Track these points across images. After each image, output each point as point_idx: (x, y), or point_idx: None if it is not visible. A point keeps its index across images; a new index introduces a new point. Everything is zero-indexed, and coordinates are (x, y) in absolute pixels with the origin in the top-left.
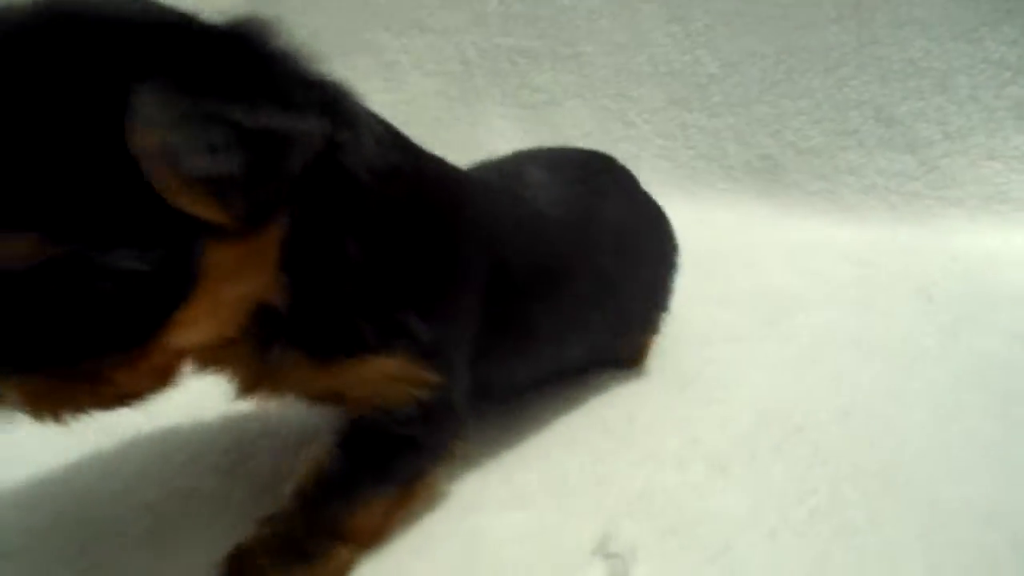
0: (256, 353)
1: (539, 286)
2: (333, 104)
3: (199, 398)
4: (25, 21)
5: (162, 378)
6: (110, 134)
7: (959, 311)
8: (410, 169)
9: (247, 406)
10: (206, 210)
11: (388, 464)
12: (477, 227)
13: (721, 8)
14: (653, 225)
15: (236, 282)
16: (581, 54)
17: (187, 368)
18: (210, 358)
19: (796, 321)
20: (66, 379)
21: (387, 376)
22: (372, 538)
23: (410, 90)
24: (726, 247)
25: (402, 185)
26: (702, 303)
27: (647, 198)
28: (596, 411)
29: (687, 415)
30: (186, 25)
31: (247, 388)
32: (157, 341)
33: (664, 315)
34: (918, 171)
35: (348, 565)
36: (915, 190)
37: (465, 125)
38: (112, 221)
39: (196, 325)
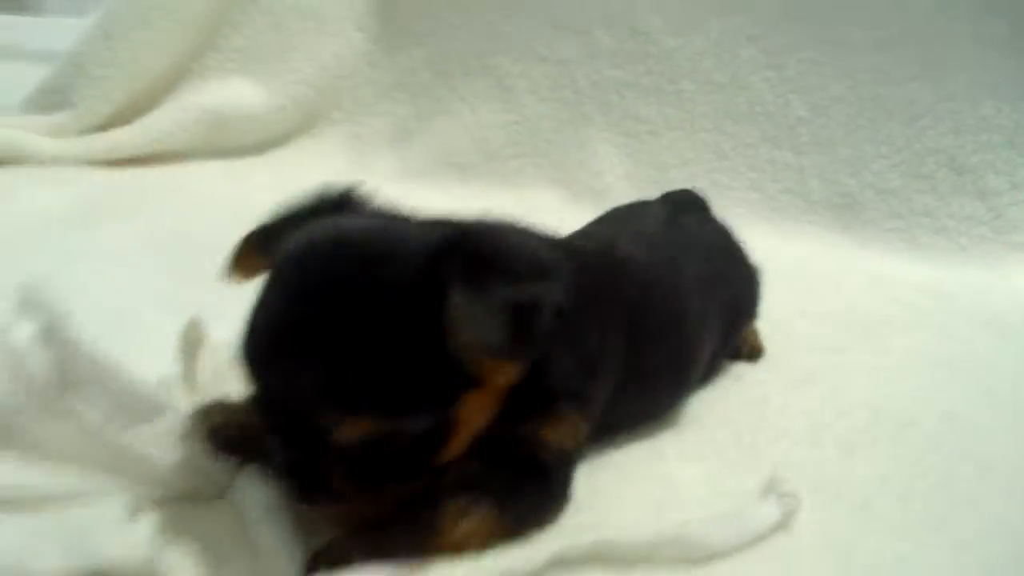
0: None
1: (656, 332)
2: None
3: None
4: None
5: (416, 490)
6: (412, 339)
7: None
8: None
9: None
10: (508, 374)
11: (515, 488)
12: (616, 295)
13: (813, 57)
14: (732, 248)
15: (477, 416)
16: (683, 91)
17: None
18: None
19: (888, 340)
20: (373, 500)
21: (558, 424)
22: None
23: (525, 113)
24: (810, 272)
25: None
26: (800, 318)
27: (722, 226)
28: (733, 396)
29: (808, 407)
30: (449, 232)
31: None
32: (429, 468)
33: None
34: (986, 216)
35: None
36: (983, 234)
37: (573, 148)
38: (412, 398)
39: (452, 452)
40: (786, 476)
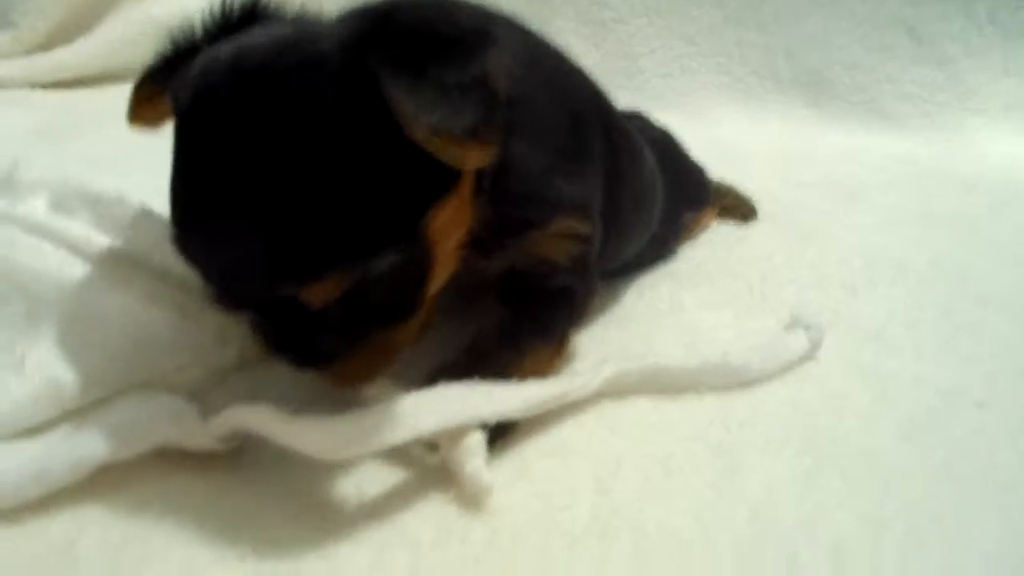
0: (461, 271)
1: (628, 169)
2: (490, 41)
3: None
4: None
5: (421, 327)
6: (352, 165)
7: (996, 197)
8: (539, 73)
9: None
10: (477, 155)
11: (550, 318)
12: (596, 115)
13: None
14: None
15: (453, 230)
16: None
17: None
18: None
19: (867, 201)
20: (371, 351)
21: (552, 235)
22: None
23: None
24: (784, 148)
25: (538, 88)
26: (783, 186)
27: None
28: (738, 254)
29: (810, 258)
30: (350, 32)
31: (450, 296)
32: (421, 302)
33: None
34: (946, 84)
35: None
36: (944, 100)
37: None
38: (375, 235)
39: (438, 278)
40: (810, 312)
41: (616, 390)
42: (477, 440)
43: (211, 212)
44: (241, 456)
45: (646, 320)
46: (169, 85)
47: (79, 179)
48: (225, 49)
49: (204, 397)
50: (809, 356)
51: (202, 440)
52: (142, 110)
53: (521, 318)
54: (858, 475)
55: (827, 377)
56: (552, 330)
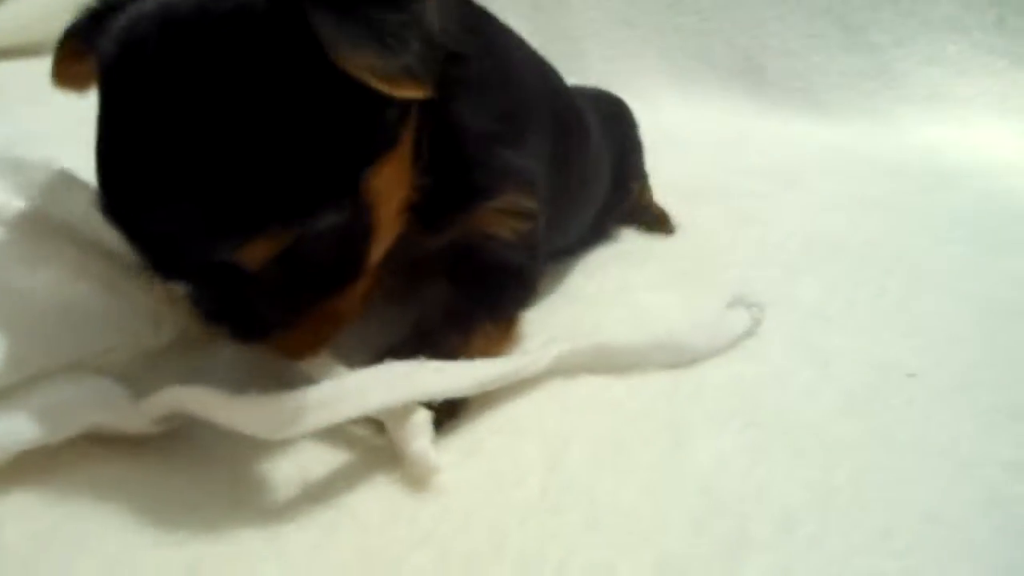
0: (406, 242)
1: (574, 140)
2: None
3: None
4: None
5: (365, 299)
6: (284, 115)
7: (923, 181)
8: (482, 37)
9: None
10: (412, 89)
11: (498, 297)
12: (541, 83)
13: None
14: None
15: (394, 191)
16: None
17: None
18: (380, 264)
19: (804, 186)
20: (315, 321)
21: (499, 211)
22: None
23: None
24: (722, 135)
25: (480, 51)
26: (723, 172)
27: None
28: (683, 237)
29: (751, 239)
30: None
31: (396, 272)
32: (364, 266)
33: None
34: (874, 72)
35: None
36: (873, 88)
37: None
38: (311, 191)
39: (380, 242)
40: (750, 291)
41: (566, 368)
42: (423, 418)
43: (139, 173)
44: (177, 439)
45: (594, 300)
46: (95, 42)
47: None
48: (152, 1)
49: (136, 379)
50: (751, 333)
51: (135, 423)
52: (67, 68)
53: (469, 297)
54: (803, 447)
55: (770, 353)
56: (501, 309)
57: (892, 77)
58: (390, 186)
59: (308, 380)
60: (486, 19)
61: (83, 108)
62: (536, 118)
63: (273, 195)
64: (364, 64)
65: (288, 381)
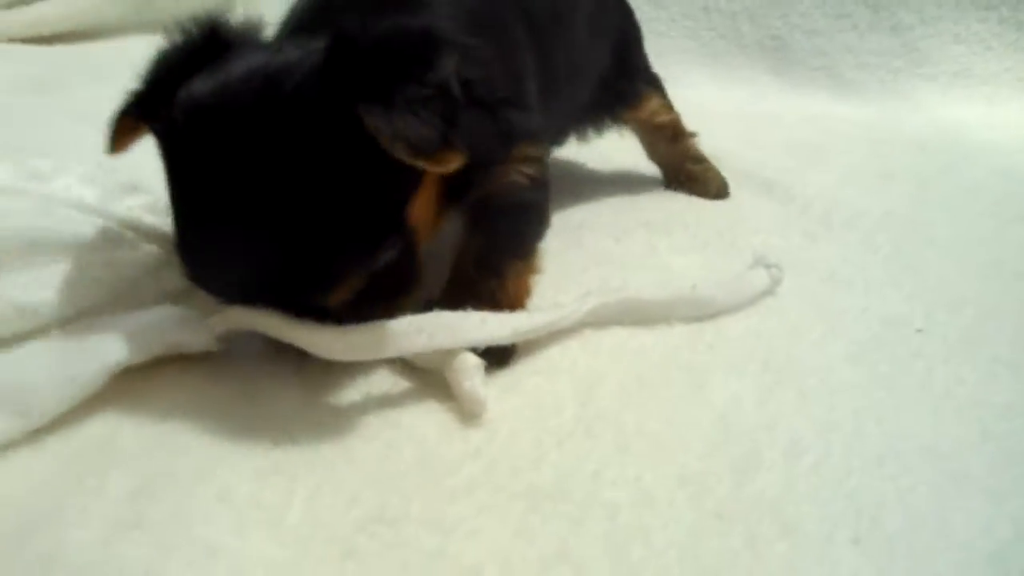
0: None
1: (553, 29)
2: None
3: None
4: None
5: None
6: (347, 180)
7: (946, 157)
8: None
9: None
10: (453, 160)
11: (520, 235)
12: (527, 19)
13: None
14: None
15: (428, 206)
16: None
17: None
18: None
19: (827, 160)
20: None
21: (511, 163)
22: (521, 301)
23: None
24: (748, 113)
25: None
26: (747, 147)
27: None
28: (709, 203)
29: (773, 209)
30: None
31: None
32: (415, 274)
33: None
34: (901, 50)
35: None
36: (899, 67)
37: None
38: (373, 236)
39: (422, 246)
40: (770, 254)
41: (597, 320)
42: (474, 362)
43: (223, 241)
44: (246, 360)
45: (622, 263)
46: (148, 116)
47: None
48: (209, 82)
49: None
50: (770, 292)
51: (202, 341)
52: (122, 140)
53: (495, 241)
54: (811, 388)
55: (785, 310)
56: (524, 245)
57: (919, 55)
58: (424, 207)
59: None
60: None
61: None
62: (518, 49)
63: (344, 247)
64: (410, 152)
65: None
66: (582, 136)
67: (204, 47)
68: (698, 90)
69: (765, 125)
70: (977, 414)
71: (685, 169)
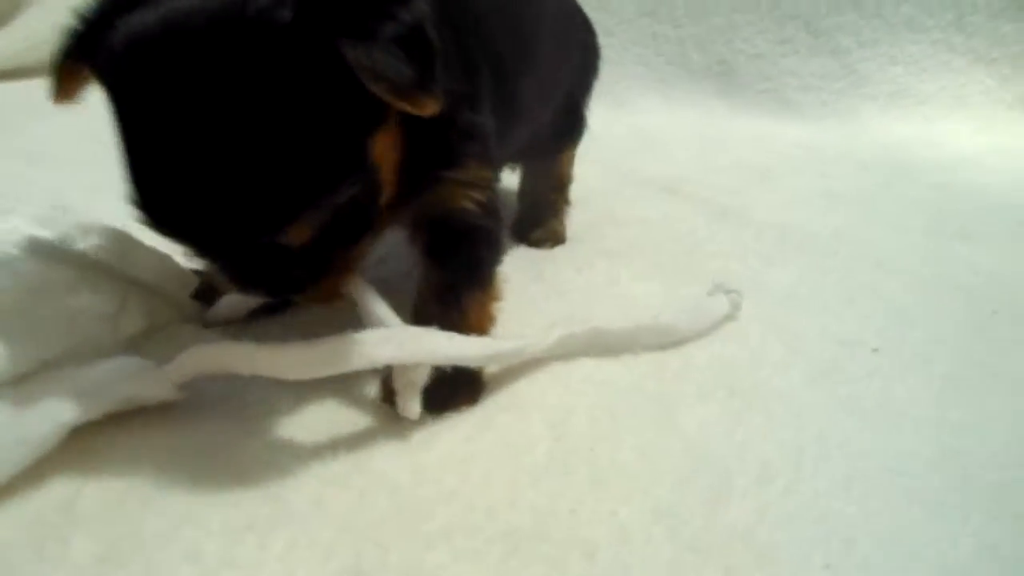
0: (393, 205)
1: (520, 65)
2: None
3: None
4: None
5: (371, 245)
6: (310, 111)
7: (887, 175)
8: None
9: None
10: (431, 103)
11: (477, 264)
12: (480, 32)
13: None
14: (583, 21)
15: (389, 155)
16: None
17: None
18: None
19: (776, 182)
20: (333, 274)
21: (460, 183)
22: (485, 329)
23: None
24: (699, 135)
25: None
26: (699, 171)
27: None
28: (665, 231)
29: (729, 233)
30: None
31: (381, 229)
32: (375, 219)
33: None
34: (841, 72)
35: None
36: (840, 88)
37: None
38: (335, 171)
39: (384, 196)
40: (729, 280)
41: (564, 352)
42: (421, 373)
43: (181, 176)
44: (208, 408)
45: (585, 292)
46: (89, 56)
47: None
48: (151, 14)
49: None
50: (732, 317)
51: (163, 391)
52: (65, 86)
53: (452, 270)
54: (777, 412)
55: (746, 335)
56: (482, 274)
57: (857, 77)
58: (387, 150)
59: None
60: None
61: (83, 124)
62: (483, 55)
63: (306, 181)
64: (392, 90)
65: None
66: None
67: None
68: (650, 115)
69: (716, 147)
70: (934, 432)
71: (540, 216)
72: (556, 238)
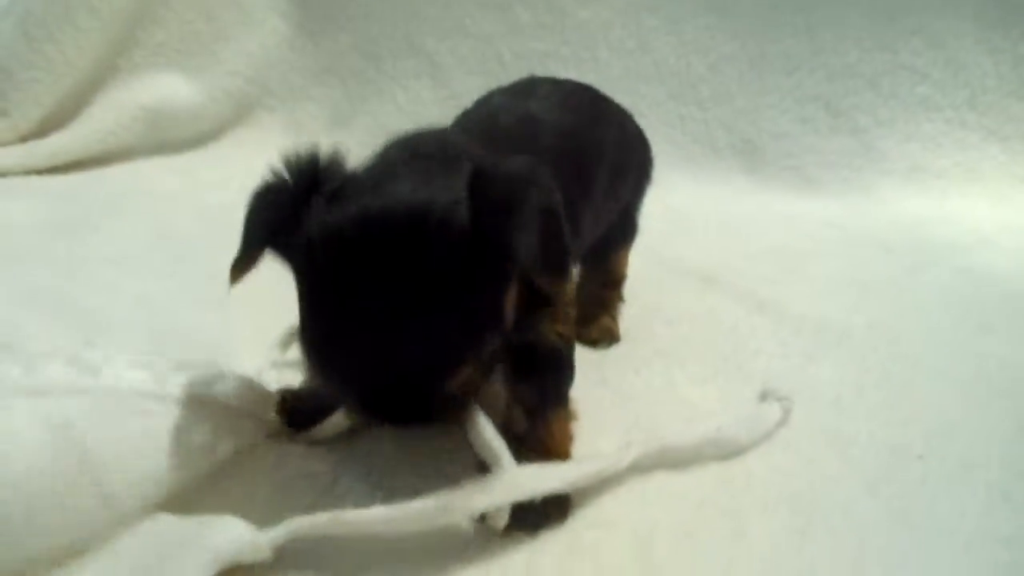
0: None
1: (578, 192)
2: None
3: None
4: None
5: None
6: (470, 283)
7: (913, 259)
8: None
9: None
10: (569, 286)
11: (557, 383)
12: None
13: (707, 22)
14: (638, 137)
15: (512, 309)
16: (598, 58)
17: None
18: None
19: (809, 270)
20: (460, 405)
21: (552, 318)
22: (566, 447)
23: (454, 87)
24: (730, 215)
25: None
26: (731, 258)
27: (628, 114)
28: (710, 329)
29: (769, 329)
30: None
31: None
32: (495, 363)
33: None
34: (859, 150)
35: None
36: (859, 165)
37: None
38: (485, 328)
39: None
40: (778, 383)
41: (640, 466)
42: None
43: (370, 342)
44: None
45: (646, 397)
46: (277, 249)
47: None
48: (346, 209)
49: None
50: (783, 423)
51: (260, 553)
52: (247, 267)
53: (538, 392)
54: (838, 528)
55: (799, 442)
56: (561, 393)
57: (875, 154)
58: (511, 303)
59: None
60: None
61: (156, 223)
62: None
63: (466, 339)
64: (549, 282)
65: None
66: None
67: (307, 182)
68: (678, 192)
69: (745, 229)
70: (983, 549)
71: (594, 313)
72: (611, 336)
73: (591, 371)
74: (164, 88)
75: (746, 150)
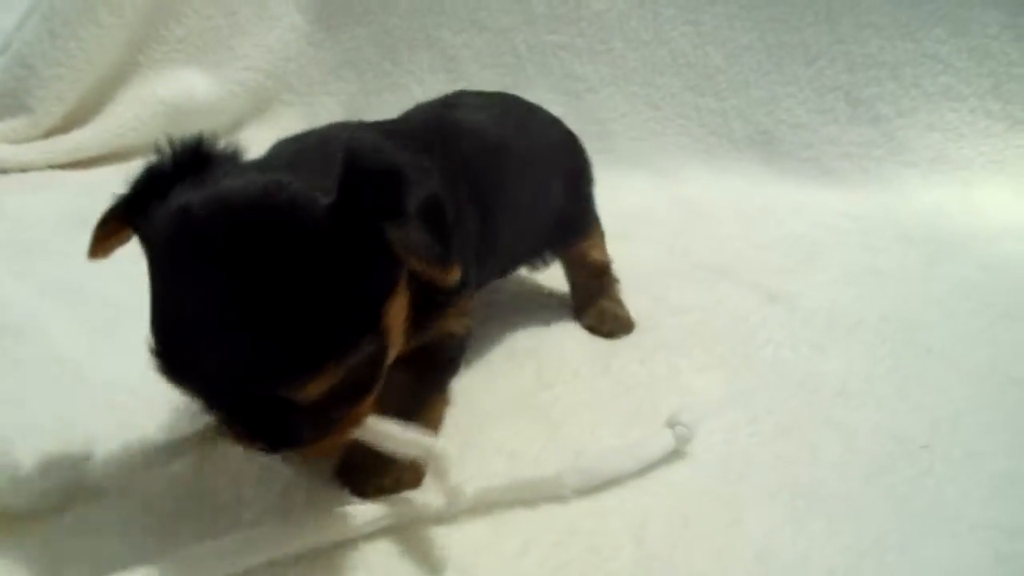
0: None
1: (501, 205)
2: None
3: None
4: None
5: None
6: (336, 278)
7: (932, 249)
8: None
9: None
10: (455, 274)
11: (443, 377)
12: (470, 182)
13: (725, 11)
14: (565, 144)
15: (399, 316)
16: (613, 49)
17: None
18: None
19: (823, 259)
20: (336, 431)
21: (457, 313)
22: (435, 426)
23: (470, 80)
24: (746, 205)
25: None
26: (746, 247)
27: (555, 121)
28: (720, 317)
29: (780, 319)
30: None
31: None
32: (381, 378)
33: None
34: (880, 141)
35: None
36: (880, 156)
37: None
38: (353, 331)
39: (392, 355)
40: (685, 408)
41: (487, 504)
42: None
43: (207, 335)
44: None
45: (649, 386)
46: (135, 221)
47: None
48: (204, 187)
49: None
50: (677, 455)
51: None
52: (105, 243)
53: (423, 380)
54: (838, 515)
55: (802, 431)
56: (444, 385)
57: (897, 144)
58: (397, 313)
59: None
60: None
61: None
62: (470, 197)
63: (324, 339)
64: (426, 264)
65: None
66: (529, 267)
67: (191, 162)
68: (695, 183)
69: (762, 220)
70: (988, 536)
71: (590, 298)
72: (622, 325)
73: (595, 361)
74: (184, 83)
75: (763, 141)
